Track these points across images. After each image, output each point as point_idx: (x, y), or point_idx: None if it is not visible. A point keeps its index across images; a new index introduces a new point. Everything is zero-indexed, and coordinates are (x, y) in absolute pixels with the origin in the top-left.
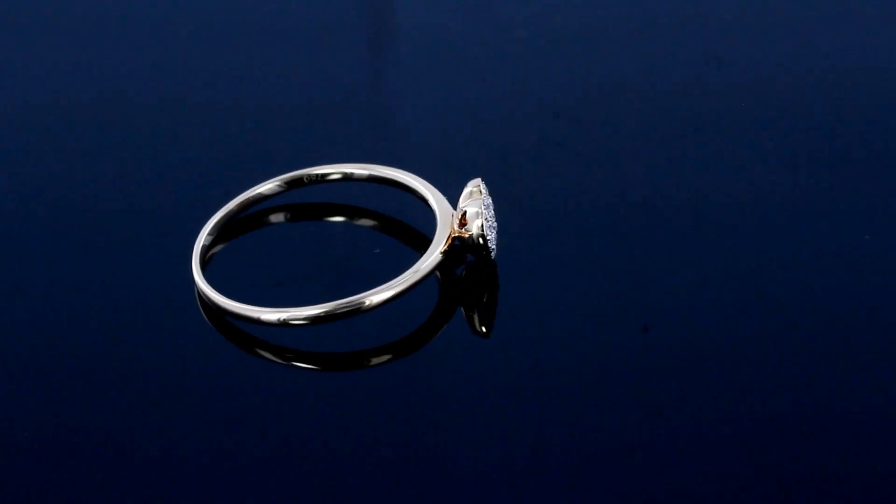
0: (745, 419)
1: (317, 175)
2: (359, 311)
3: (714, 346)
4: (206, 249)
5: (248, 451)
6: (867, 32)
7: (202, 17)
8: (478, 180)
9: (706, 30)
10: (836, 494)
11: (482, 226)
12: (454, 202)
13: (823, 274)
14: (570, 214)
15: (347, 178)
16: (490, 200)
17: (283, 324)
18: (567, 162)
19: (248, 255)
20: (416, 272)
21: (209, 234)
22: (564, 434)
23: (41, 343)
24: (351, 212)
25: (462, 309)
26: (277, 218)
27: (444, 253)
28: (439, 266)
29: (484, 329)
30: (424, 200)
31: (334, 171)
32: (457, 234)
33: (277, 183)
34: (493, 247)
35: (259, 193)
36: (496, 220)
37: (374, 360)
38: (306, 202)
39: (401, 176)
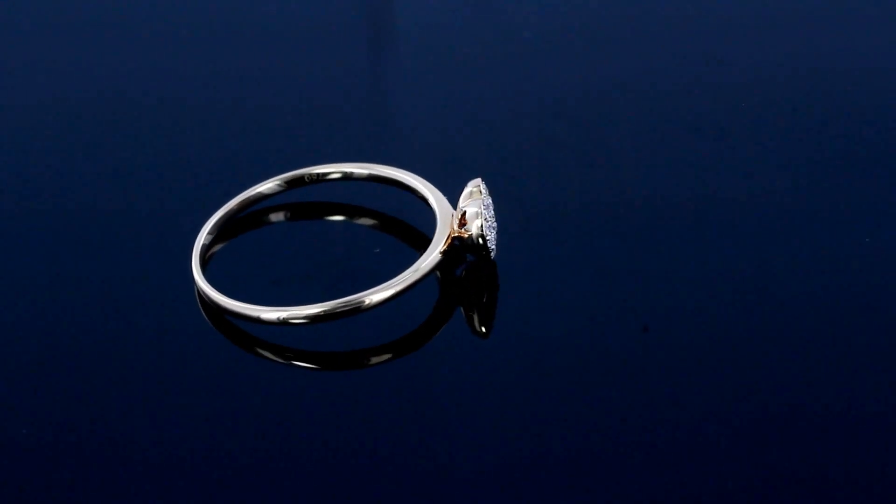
0: (745, 419)
1: (317, 174)
2: (358, 311)
3: (714, 346)
4: (206, 248)
5: (248, 450)
6: (868, 33)
7: (203, 17)
8: (478, 180)
9: (706, 30)
10: (836, 494)
11: (481, 226)
12: (455, 202)
13: (824, 274)
14: (570, 214)
15: (347, 177)
16: (490, 200)
17: (283, 323)
18: (567, 162)
19: (248, 255)
20: (415, 271)
21: (209, 233)
22: (564, 434)
23: (41, 341)
24: (351, 211)
25: (462, 309)
26: (277, 217)
27: (444, 253)
28: (439, 266)
29: (483, 329)
30: (424, 200)
31: (334, 170)
32: (456, 234)
33: (277, 182)
34: (493, 247)
35: (259, 193)
36: (496, 221)
37: (374, 360)
38: (306, 201)
39: (401, 175)
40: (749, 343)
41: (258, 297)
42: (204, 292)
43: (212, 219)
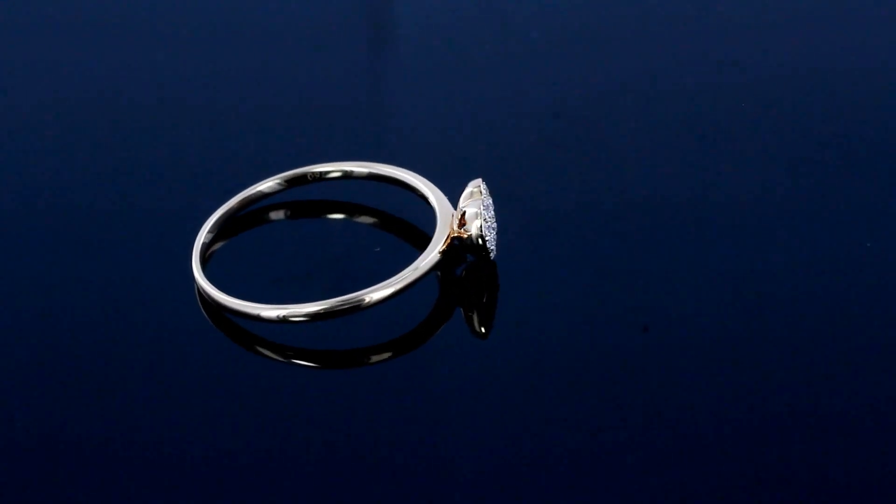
0: (745, 419)
1: (319, 173)
2: (358, 308)
3: (714, 346)
4: (206, 247)
5: (248, 448)
6: (869, 33)
7: (204, 17)
8: (478, 180)
9: (707, 31)
10: (835, 494)
11: (481, 227)
12: (456, 202)
13: (824, 275)
14: (570, 215)
15: (347, 175)
16: (490, 201)
17: (283, 320)
18: (569, 162)
19: (248, 253)
20: (415, 270)
21: (209, 231)
22: (564, 434)
23: (41, 339)
24: (351, 209)
25: (461, 309)
26: (277, 216)
27: (443, 252)
28: (438, 265)
29: (483, 330)
30: (425, 199)
31: (334, 168)
32: (456, 235)
33: (278, 181)
34: (492, 248)
35: (259, 191)
36: (496, 221)
37: (374, 358)
38: (306, 200)
39: (401, 174)
40: (749, 343)
41: (258, 296)
42: (204, 290)
43: (212, 217)
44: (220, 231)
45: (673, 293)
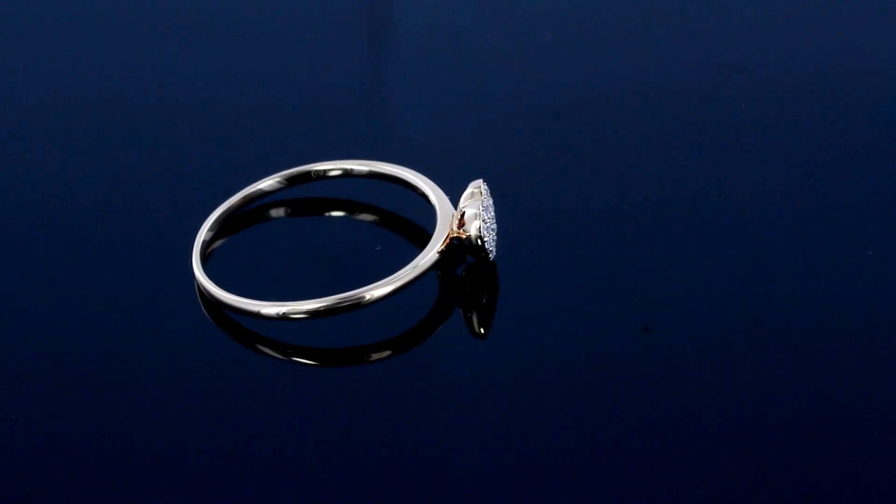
0: (745, 420)
1: (323, 171)
2: (359, 306)
3: (714, 347)
4: (206, 244)
5: (247, 445)
6: (871, 33)
7: (205, 17)
8: (479, 181)
9: (708, 31)
10: (835, 494)
11: (479, 227)
12: (457, 202)
13: (824, 276)
14: (570, 215)
15: (347, 174)
16: (491, 202)
17: (283, 318)
18: (569, 163)
19: (248, 251)
20: (414, 268)
21: (210, 229)
22: (563, 434)
23: (41, 336)
24: (351, 207)
25: (461, 310)
26: (278, 213)
27: (442, 252)
28: (437, 264)
29: (482, 330)
30: (425, 197)
31: (334, 167)
32: (455, 235)
33: (278, 179)
34: (492, 248)
35: (260, 189)
36: (496, 222)
37: (374, 356)
38: (306, 198)
39: (402, 172)
40: (749, 344)
41: (258, 293)
42: (204, 287)
43: (213, 215)
44: (220, 229)
45: (673, 293)
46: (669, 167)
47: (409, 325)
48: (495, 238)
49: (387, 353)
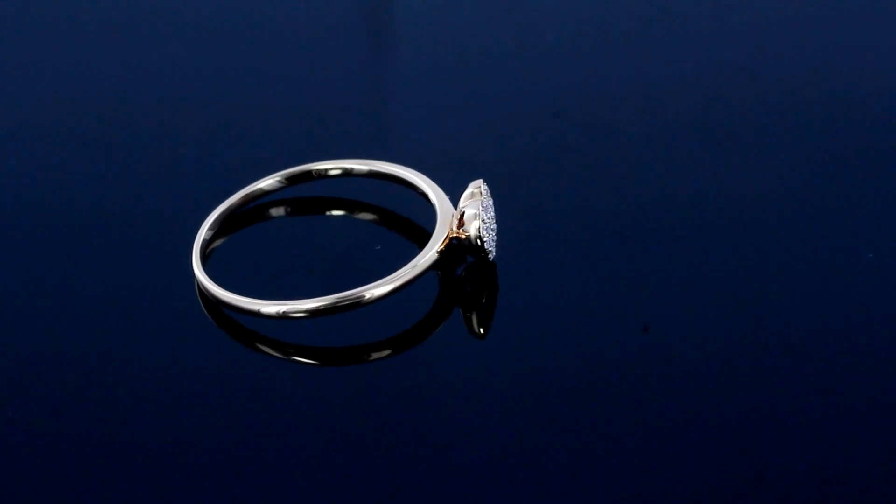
0: (745, 420)
1: (323, 170)
2: (359, 305)
3: (714, 347)
4: (206, 244)
5: (247, 444)
6: (872, 34)
7: (205, 17)
8: (479, 181)
9: (709, 32)
10: (835, 494)
11: (479, 228)
12: (457, 201)
13: (824, 276)
14: (570, 216)
15: (347, 173)
16: (491, 202)
17: (283, 317)
18: (570, 164)
19: (248, 249)
20: (413, 268)
21: (210, 228)
22: (562, 434)
23: (41, 336)
24: (351, 206)
25: (460, 310)
26: (278, 213)
27: (441, 252)
28: (437, 264)
29: (481, 330)
30: (425, 196)
31: (334, 166)
32: (454, 235)
33: (278, 178)
34: (491, 249)
35: (260, 189)
36: (496, 223)
37: (374, 356)
38: (306, 197)
39: (402, 172)
40: (749, 344)
41: (258, 292)
42: (204, 286)
43: (213, 214)
44: (220, 228)
45: (673, 294)
46: (669, 167)
47: (408, 325)
48: (495, 238)
49: (386, 352)
